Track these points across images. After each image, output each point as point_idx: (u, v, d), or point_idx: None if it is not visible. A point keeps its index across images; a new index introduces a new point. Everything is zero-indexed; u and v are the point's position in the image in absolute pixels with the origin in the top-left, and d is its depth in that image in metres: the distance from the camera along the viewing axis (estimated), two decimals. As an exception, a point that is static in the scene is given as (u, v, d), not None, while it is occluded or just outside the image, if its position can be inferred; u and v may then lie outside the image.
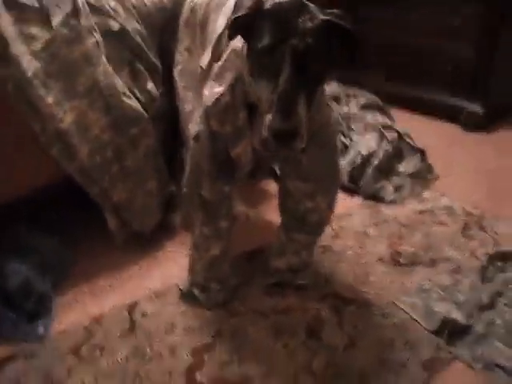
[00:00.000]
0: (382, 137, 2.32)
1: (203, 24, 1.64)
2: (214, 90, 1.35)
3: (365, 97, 2.89)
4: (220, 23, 1.48)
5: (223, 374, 1.35)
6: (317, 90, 1.19)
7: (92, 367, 1.35)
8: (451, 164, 2.51)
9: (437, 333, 1.49)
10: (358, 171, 2.22)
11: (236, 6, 1.28)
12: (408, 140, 2.39)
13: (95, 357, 1.39)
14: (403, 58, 3.16)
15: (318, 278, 1.71)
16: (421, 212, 2.12)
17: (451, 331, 1.49)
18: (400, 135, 2.37)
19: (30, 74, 1.50)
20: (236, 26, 1.17)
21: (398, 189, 2.22)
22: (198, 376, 1.34)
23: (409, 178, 2.28)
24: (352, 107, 2.83)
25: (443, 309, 1.57)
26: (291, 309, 1.58)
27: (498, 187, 2.32)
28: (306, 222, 1.60)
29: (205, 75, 1.44)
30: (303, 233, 1.62)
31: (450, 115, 3.01)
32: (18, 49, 1.49)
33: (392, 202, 2.16)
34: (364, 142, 2.31)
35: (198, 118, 1.45)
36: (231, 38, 1.20)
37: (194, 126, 1.47)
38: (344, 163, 2.25)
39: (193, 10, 1.73)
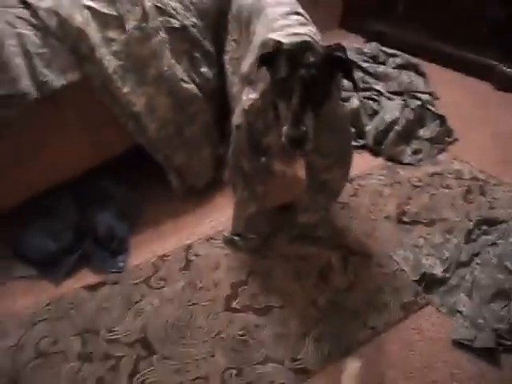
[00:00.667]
0: (405, 105, 2.65)
1: (247, 23, 2.01)
2: (249, 96, 1.76)
3: (402, 57, 3.17)
4: (260, 31, 1.86)
5: (252, 303, 1.85)
6: (322, 105, 1.58)
7: (158, 294, 1.88)
8: (471, 125, 2.81)
9: (418, 282, 1.93)
10: (381, 135, 2.59)
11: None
12: (430, 107, 2.71)
13: (160, 286, 1.92)
14: (444, 16, 3.36)
15: (333, 231, 2.15)
16: (432, 174, 2.48)
17: (429, 282, 1.92)
18: (423, 103, 2.69)
19: (110, 70, 1.95)
20: (262, 60, 1.57)
21: (415, 152, 2.58)
22: (234, 303, 1.85)
23: (427, 142, 2.62)
24: (388, 66, 3.13)
25: (428, 263, 2.00)
26: (309, 256, 2.04)
27: (510, 152, 2.63)
28: (324, 188, 2.02)
29: (244, 79, 1.85)
30: (322, 196, 2.05)
31: (484, 74, 3.24)
32: (101, 51, 1.93)
33: (409, 163, 2.53)
34: (389, 110, 2.64)
35: (238, 112, 1.87)
36: (258, 68, 1.60)
37: (235, 117, 1.88)
38: (370, 127, 2.62)
39: (239, 9, 2.09)
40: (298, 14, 1.88)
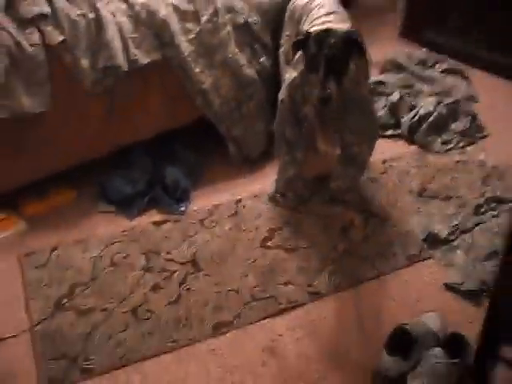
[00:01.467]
0: (439, 101, 3.00)
1: (299, 21, 2.46)
2: (291, 74, 2.22)
3: (449, 63, 3.51)
4: (306, 27, 2.31)
5: (283, 244, 2.28)
6: (342, 76, 2.01)
7: (210, 232, 2.34)
8: (504, 125, 3.09)
9: (424, 240, 2.29)
10: (415, 126, 2.95)
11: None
12: (463, 105, 3.04)
13: (212, 227, 2.38)
14: (490, 26, 3.63)
15: (360, 198, 2.54)
16: (457, 162, 2.81)
17: (434, 240, 2.27)
18: (457, 101, 3.03)
19: (185, 54, 2.46)
20: (297, 45, 2.03)
21: (445, 143, 2.91)
22: (269, 243, 2.28)
23: (458, 134, 2.95)
24: (435, 70, 3.48)
25: (437, 228, 2.34)
26: (336, 215, 2.45)
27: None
28: (354, 160, 2.43)
29: (288, 59, 2.32)
30: (352, 167, 2.46)
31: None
32: (179, 38, 2.45)
33: (438, 152, 2.87)
34: (425, 105, 3.00)
35: (283, 89, 2.32)
36: (294, 50, 2.06)
37: (280, 93, 2.34)
38: (405, 118, 2.99)
39: (293, 9, 2.55)
40: (336, 13, 2.31)
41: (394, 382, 1.65)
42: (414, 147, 2.95)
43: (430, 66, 3.52)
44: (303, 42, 2.04)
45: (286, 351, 1.84)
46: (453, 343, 1.71)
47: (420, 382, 1.60)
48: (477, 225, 2.35)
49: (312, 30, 2.08)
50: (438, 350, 1.66)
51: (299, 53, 2.16)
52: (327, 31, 2.01)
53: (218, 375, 1.76)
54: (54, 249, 2.26)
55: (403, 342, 1.71)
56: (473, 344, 1.64)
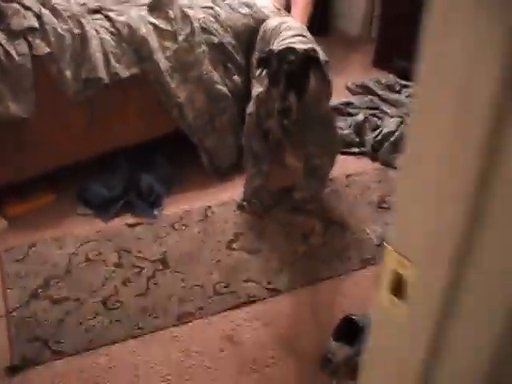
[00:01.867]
0: (402, 122, 3.22)
1: (268, 42, 2.68)
2: (257, 90, 2.42)
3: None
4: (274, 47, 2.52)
5: (247, 246, 2.45)
6: (302, 90, 2.21)
7: (180, 234, 2.51)
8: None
9: (379, 246, 2.47)
10: (378, 144, 3.15)
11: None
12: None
13: (182, 230, 2.54)
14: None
15: (321, 208, 2.73)
16: (415, 177, 3.02)
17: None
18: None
19: (163, 69, 2.65)
20: (260, 62, 2.24)
21: (405, 160, 3.12)
22: (233, 245, 2.45)
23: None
24: (402, 95, 3.71)
25: (392, 234, 2.53)
26: (297, 222, 2.62)
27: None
28: (315, 172, 2.62)
29: (253, 77, 2.52)
30: (314, 178, 2.65)
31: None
32: (158, 55, 2.65)
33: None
34: (387, 124, 3.22)
35: (250, 104, 2.52)
36: (258, 67, 2.26)
37: (248, 107, 2.54)
38: (370, 137, 3.20)
39: (264, 32, 2.77)
40: (302, 36, 2.53)
41: (339, 366, 1.81)
42: (376, 164, 3.15)
43: (397, 91, 3.75)
44: (266, 59, 2.25)
45: (243, 339, 1.99)
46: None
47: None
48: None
49: (274, 48, 2.29)
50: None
51: (263, 70, 2.36)
52: (288, 49, 2.22)
53: (178, 358, 1.91)
54: (33, 245, 2.41)
55: (350, 331, 1.87)
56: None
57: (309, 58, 2.23)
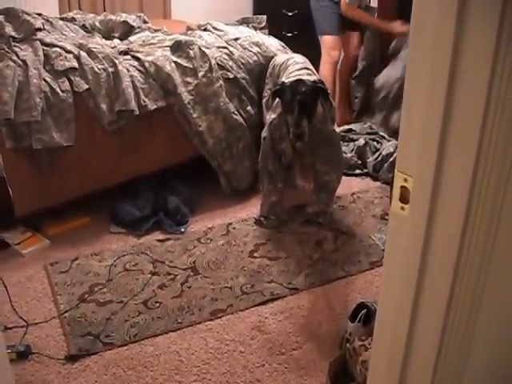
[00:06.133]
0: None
1: (278, 76, 3.04)
2: (271, 116, 2.76)
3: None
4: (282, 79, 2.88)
5: (267, 254, 2.73)
6: (312, 115, 2.55)
7: (206, 247, 2.80)
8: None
9: (384, 250, 2.74)
10: (378, 165, 3.48)
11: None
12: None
13: (207, 243, 2.83)
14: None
15: (331, 220, 3.02)
16: (415, 193, 3.32)
17: (392, 249, 2.74)
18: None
19: (186, 101, 2.99)
20: (275, 93, 2.59)
21: (404, 178, 3.44)
22: (255, 254, 2.74)
23: (415, 172, 3.48)
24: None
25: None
26: (310, 233, 2.92)
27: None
28: (325, 187, 2.94)
29: (266, 107, 2.87)
30: (323, 193, 2.96)
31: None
32: (181, 89, 2.99)
33: (398, 185, 3.39)
34: (386, 147, 3.55)
35: (265, 129, 2.85)
36: (273, 98, 2.62)
37: (263, 132, 2.87)
38: (371, 159, 3.52)
39: (273, 67, 3.13)
40: (307, 68, 2.89)
41: (356, 343, 2.07)
42: (378, 183, 3.47)
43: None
44: (280, 90, 2.61)
45: (270, 329, 2.26)
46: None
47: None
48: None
49: (286, 81, 2.65)
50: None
51: (277, 99, 2.71)
52: (299, 81, 2.57)
53: (215, 346, 2.17)
54: (75, 259, 2.69)
55: (364, 315, 2.14)
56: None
57: (317, 88, 2.58)
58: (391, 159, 3.48)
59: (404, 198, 0.87)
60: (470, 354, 0.89)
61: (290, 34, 4.87)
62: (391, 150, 3.53)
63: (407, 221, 0.87)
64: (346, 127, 3.84)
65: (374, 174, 3.50)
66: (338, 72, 4.15)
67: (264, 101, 3.20)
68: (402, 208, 0.88)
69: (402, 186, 0.87)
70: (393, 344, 1.00)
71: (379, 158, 3.51)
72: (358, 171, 3.55)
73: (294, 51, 3.43)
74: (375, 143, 3.68)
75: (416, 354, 0.95)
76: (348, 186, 3.35)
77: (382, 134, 3.79)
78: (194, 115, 3.03)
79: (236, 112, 3.16)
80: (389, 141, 3.69)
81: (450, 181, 0.78)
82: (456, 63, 0.73)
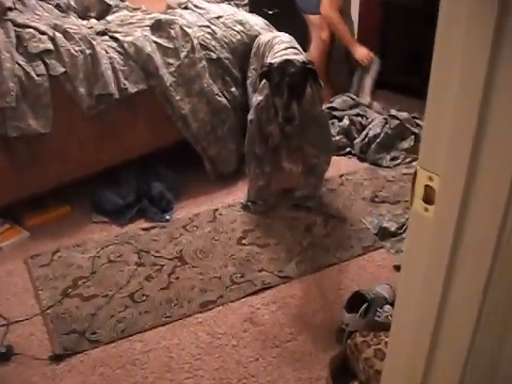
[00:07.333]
0: (385, 123, 3.47)
1: (262, 56, 2.92)
2: (257, 98, 2.65)
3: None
4: (268, 59, 2.76)
5: (256, 241, 2.65)
6: (301, 98, 2.45)
7: (192, 234, 2.70)
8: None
9: (376, 234, 2.69)
10: (366, 146, 3.40)
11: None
12: (407, 125, 3.51)
13: (194, 230, 2.74)
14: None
15: (320, 204, 2.94)
16: (404, 174, 3.26)
17: (384, 233, 2.68)
18: (401, 122, 3.50)
19: (168, 84, 2.87)
20: (262, 75, 2.48)
21: (393, 159, 3.37)
22: (243, 241, 2.65)
23: (404, 151, 3.41)
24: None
25: (387, 224, 2.75)
26: (300, 218, 2.84)
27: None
28: (313, 171, 2.85)
29: (255, 88, 2.75)
30: (312, 177, 2.87)
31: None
32: (163, 70, 2.86)
33: (387, 167, 3.32)
34: (373, 128, 3.47)
35: (251, 111, 2.74)
36: (260, 80, 2.50)
37: (249, 115, 2.76)
38: (358, 140, 3.44)
39: (258, 47, 3.01)
40: (293, 48, 2.78)
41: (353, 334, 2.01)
42: (366, 164, 3.39)
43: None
44: (267, 72, 2.49)
45: (263, 320, 2.18)
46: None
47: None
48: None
49: (274, 61, 2.53)
50: (387, 307, 2.03)
51: (264, 80, 2.59)
52: (287, 62, 2.46)
53: (206, 340, 2.09)
54: (56, 251, 2.58)
55: (360, 304, 2.07)
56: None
57: (307, 69, 2.47)
58: (379, 140, 3.41)
59: (428, 198, 0.79)
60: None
61: (270, 12, 4.71)
62: (378, 130, 3.45)
63: (432, 224, 0.79)
64: (328, 105, 3.72)
65: (361, 156, 3.43)
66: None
67: (249, 81, 3.09)
68: (426, 209, 0.80)
69: (426, 185, 0.78)
70: (411, 363, 0.92)
71: (366, 140, 3.43)
72: (345, 151, 3.46)
73: (277, 30, 3.31)
74: (360, 118, 3.60)
75: (439, 366, 0.88)
76: (336, 167, 3.25)
77: (362, 102, 3.73)
78: (177, 98, 2.91)
79: (220, 94, 3.04)
80: (372, 114, 3.62)
81: (485, 182, 0.70)
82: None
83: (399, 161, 3.36)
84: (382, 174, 3.26)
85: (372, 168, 3.34)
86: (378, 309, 2.05)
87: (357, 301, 2.09)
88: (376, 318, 2.01)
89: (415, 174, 0.82)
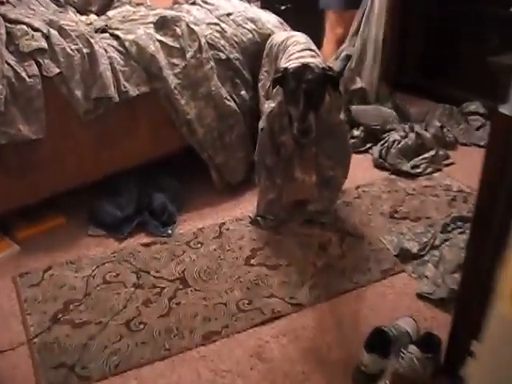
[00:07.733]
0: (406, 135, 3.26)
1: (276, 58, 2.68)
2: (270, 105, 2.41)
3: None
4: (282, 62, 2.52)
5: (265, 262, 2.42)
6: (319, 107, 2.21)
7: (196, 252, 2.48)
8: (468, 154, 3.35)
9: (397, 256, 2.46)
10: (385, 152, 3.18)
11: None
12: (428, 136, 3.30)
13: (198, 247, 2.52)
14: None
15: (335, 219, 2.72)
16: (425, 186, 3.02)
17: (405, 256, 2.45)
18: (419, 135, 3.28)
19: (172, 86, 2.64)
20: (275, 81, 2.24)
21: (414, 167, 3.14)
22: (252, 261, 2.43)
23: (425, 161, 3.18)
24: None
25: (408, 245, 2.52)
26: (313, 234, 2.61)
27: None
28: (329, 183, 2.62)
29: (267, 93, 2.51)
30: (327, 190, 2.64)
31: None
32: (167, 72, 2.63)
33: (407, 172, 3.09)
34: (393, 136, 3.25)
35: (262, 119, 2.51)
36: (274, 87, 2.26)
37: (260, 123, 2.53)
38: (377, 145, 3.23)
39: (271, 47, 2.77)
40: (310, 50, 2.53)
41: (373, 378, 1.78)
42: (384, 175, 3.16)
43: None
44: (281, 77, 2.25)
45: (272, 356, 1.96)
46: (426, 342, 1.86)
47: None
48: (445, 241, 2.53)
49: (289, 66, 2.29)
50: (412, 347, 1.81)
51: (277, 87, 2.36)
52: (304, 67, 2.22)
53: (209, 378, 1.87)
54: (48, 269, 2.37)
55: (381, 342, 1.85)
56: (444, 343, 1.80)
57: (326, 75, 2.23)
58: (399, 145, 3.20)
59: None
60: None
61: (283, 7, 4.47)
62: (397, 137, 3.23)
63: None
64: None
65: (379, 161, 3.20)
66: None
67: (260, 84, 2.85)
68: (515, 312, 0.58)
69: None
70: None
71: (385, 145, 3.21)
72: (362, 155, 3.27)
73: (290, 26, 3.08)
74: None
75: None
76: (351, 177, 2.97)
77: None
78: (182, 101, 2.68)
79: (229, 97, 2.81)
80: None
81: None
82: None
83: (420, 170, 3.13)
84: (402, 186, 3.03)
85: (391, 178, 3.11)
86: (402, 349, 1.82)
87: (376, 338, 1.87)
88: (400, 360, 1.79)
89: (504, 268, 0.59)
